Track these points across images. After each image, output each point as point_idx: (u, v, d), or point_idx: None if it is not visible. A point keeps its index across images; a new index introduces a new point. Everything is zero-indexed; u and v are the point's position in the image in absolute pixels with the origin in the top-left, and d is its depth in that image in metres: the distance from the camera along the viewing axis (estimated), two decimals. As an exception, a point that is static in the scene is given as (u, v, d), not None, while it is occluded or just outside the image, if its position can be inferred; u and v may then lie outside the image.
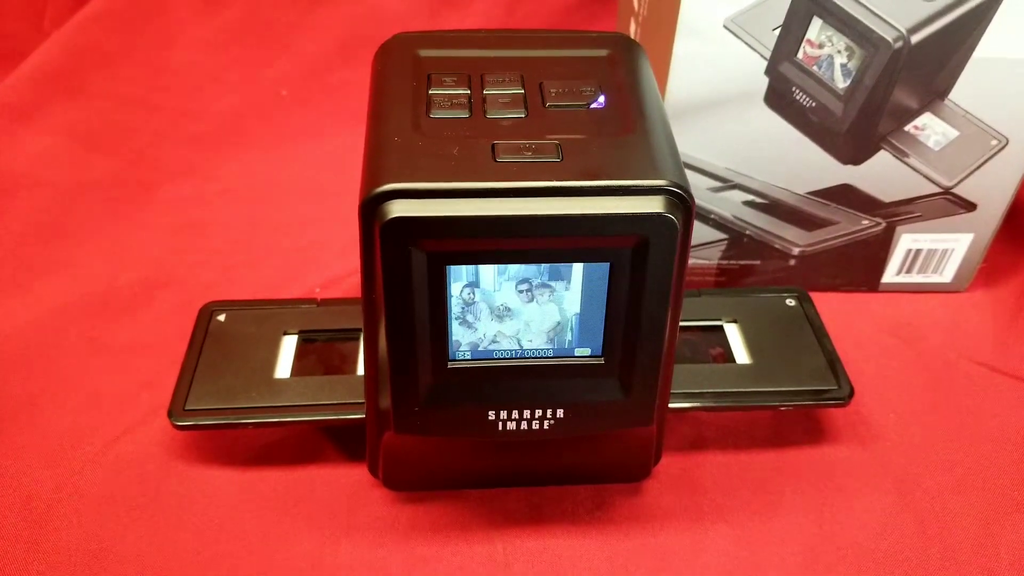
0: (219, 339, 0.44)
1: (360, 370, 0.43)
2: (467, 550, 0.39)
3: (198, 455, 0.43)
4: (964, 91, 0.44)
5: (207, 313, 0.45)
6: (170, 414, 0.40)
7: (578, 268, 0.32)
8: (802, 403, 0.42)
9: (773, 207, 0.49)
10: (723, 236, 0.51)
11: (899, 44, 0.42)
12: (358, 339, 0.44)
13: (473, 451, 0.40)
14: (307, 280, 0.54)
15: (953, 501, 0.42)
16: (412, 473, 0.40)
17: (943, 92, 0.44)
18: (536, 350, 0.34)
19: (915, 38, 0.42)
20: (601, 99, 0.34)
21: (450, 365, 0.33)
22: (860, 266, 0.52)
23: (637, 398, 0.34)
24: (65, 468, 0.42)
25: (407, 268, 0.30)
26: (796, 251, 0.51)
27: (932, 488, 0.43)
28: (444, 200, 0.29)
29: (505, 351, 0.33)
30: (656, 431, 0.39)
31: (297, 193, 0.61)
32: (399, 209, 0.29)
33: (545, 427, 0.35)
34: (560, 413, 0.35)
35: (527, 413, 0.35)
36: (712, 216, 0.50)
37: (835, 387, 0.42)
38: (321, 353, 0.45)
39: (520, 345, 0.33)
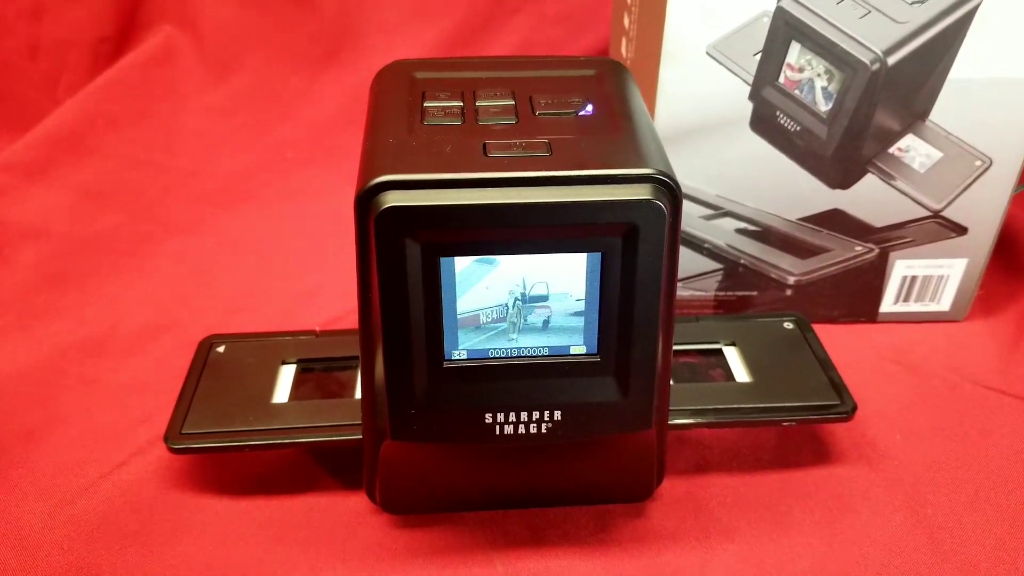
0: (218, 369, 0.44)
1: (357, 394, 0.43)
2: (466, 572, 0.38)
3: (193, 483, 0.42)
4: (945, 112, 0.46)
5: (207, 345, 0.46)
6: (166, 438, 0.40)
7: (571, 262, 0.32)
8: (805, 417, 0.42)
9: (766, 235, 0.50)
10: (718, 266, 0.51)
11: (876, 66, 0.43)
12: (355, 367, 0.44)
13: (471, 464, 0.39)
14: (306, 323, 0.54)
15: (967, 517, 0.41)
16: (410, 492, 0.40)
17: (924, 113, 0.46)
18: (531, 348, 0.34)
19: (892, 59, 0.43)
20: (589, 108, 0.35)
21: (445, 364, 0.33)
22: (857, 296, 0.52)
23: (634, 398, 0.34)
24: (59, 498, 0.41)
25: (402, 260, 0.31)
26: (792, 280, 0.52)
27: (944, 505, 0.41)
28: (437, 190, 0.30)
29: (500, 349, 0.33)
30: (656, 440, 0.38)
31: (298, 246, 0.62)
32: (393, 199, 0.30)
33: (543, 430, 0.35)
34: (558, 415, 0.34)
35: (524, 415, 0.34)
36: (706, 246, 0.51)
37: (838, 402, 0.42)
38: (319, 381, 0.44)
39: (515, 343, 0.33)
